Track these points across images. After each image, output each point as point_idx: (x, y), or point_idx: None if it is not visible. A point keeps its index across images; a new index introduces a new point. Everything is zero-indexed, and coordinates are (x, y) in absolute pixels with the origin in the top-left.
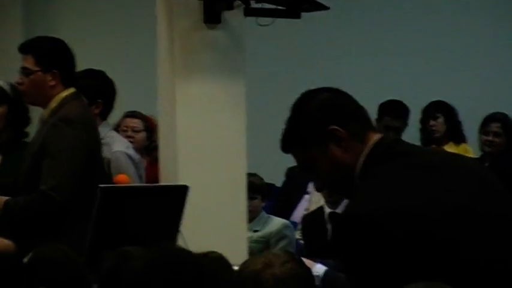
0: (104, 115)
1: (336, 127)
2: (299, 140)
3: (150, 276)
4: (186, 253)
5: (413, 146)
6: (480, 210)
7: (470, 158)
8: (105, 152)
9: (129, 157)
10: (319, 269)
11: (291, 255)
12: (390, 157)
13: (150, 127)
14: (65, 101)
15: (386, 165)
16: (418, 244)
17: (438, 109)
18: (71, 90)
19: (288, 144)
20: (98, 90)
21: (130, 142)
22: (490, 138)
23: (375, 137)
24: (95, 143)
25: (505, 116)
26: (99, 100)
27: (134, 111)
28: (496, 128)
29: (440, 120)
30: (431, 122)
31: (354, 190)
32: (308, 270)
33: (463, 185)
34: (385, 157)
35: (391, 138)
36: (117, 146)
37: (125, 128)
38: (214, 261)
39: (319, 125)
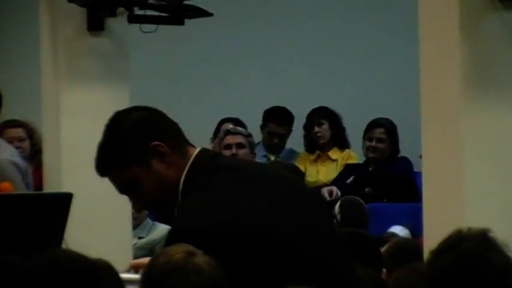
0: None
1: (159, 142)
2: (118, 161)
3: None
4: (80, 258)
5: (235, 159)
6: (308, 223)
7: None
8: None
9: (15, 165)
10: None
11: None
12: (215, 170)
13: (31, 133)
14: None
15: (212, 178)
16: (256, 259)
17: (322, 115)
18: None
19: (105, 167)
20: None
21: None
22: (374, 144)
23: (195, 150)
24: None
25: (389, 121)
26: None
27: (14, 121)
28: (380, 134)
29: (325, 126)
30: (316, 129)
31: (181, 204)
32: None
33: (289, 197)
34: (210, 170)
35: (212, 152)
36: (2, 154)
37: (9, 140)
38: (104, 269)
39: (140, 142)
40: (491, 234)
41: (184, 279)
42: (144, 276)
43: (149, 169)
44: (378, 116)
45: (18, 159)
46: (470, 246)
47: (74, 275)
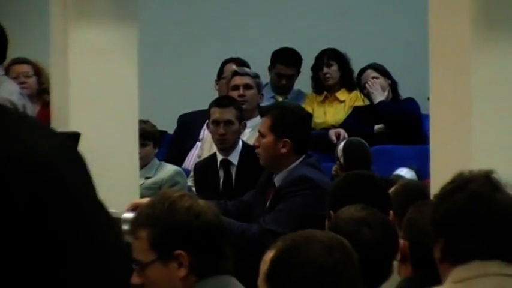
0: None
1: None
2: None
3: None
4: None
5: None
6: None
7: None
8: None
9: (11, 103)
10: None
11: None
12: None
13: (38, 71)
14: None
15: None
16: None
17: (331, 56)
18: None
19: None
20: None
21: (24, 88)
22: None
23: None
24: None
25: (374, 63)
26: None
27: (20, 58)
28: (371, 74)
29: (334, 67)
30: (325, 69)
31: None
32: None
33: None
34: None
35: None
36: (1, 92)
37: (15, 75)
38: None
39: None
40: (494, 175)
41: None
42: (161, 224)
43: None
44: (385, 58)
45: (16, 97)
46: (476, 187)
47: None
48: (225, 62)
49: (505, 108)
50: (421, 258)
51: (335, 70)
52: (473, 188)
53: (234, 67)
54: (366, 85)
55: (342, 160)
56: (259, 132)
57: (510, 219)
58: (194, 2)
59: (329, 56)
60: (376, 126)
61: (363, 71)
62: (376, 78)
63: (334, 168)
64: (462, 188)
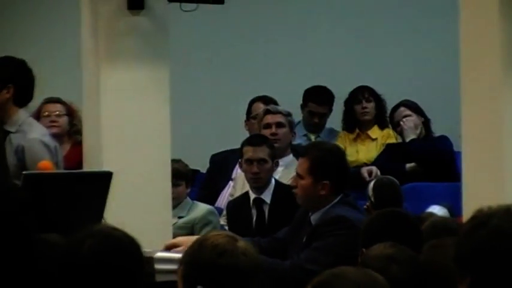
0: (20, 102)
1: None
2: None
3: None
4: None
5: None
6: None
7: None
8: (20, 140)
9: (44, 144)
10: None
11: None
12: None
13: (71, 112)
14: None
15: None
16: None
17: (369, 93)
18: None
19: None
20: (9, 75)
21: (54, 127)
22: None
23: None
24: None
25: (408, 100)
26: (10, 85)
27: (53, 97)
28: (404, 111)
29: (372, 104)
30: (364, 104)
31: None
32: None
33: None
34: None
35: None
36: (33, 133)
37: (47, 114)
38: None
39: None
40: None
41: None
42: (190, 261)
43: None
44: (417, 95)
45: (47, 138)
46: (498, 222)
47: (125, 250)
48: (253, 101)
49: None
50: None
51: (372, 107)
52: (495, 223)
53: (262, 105)
54: (401, 123)
55: (372, 199)
56: (297, 173)
57: None
58: (225, 40)
59: (367, 92)
60: (408, 165)
61: (396, 108)
62: (409, 115)
63: (365, 207)
64: (484, 223)
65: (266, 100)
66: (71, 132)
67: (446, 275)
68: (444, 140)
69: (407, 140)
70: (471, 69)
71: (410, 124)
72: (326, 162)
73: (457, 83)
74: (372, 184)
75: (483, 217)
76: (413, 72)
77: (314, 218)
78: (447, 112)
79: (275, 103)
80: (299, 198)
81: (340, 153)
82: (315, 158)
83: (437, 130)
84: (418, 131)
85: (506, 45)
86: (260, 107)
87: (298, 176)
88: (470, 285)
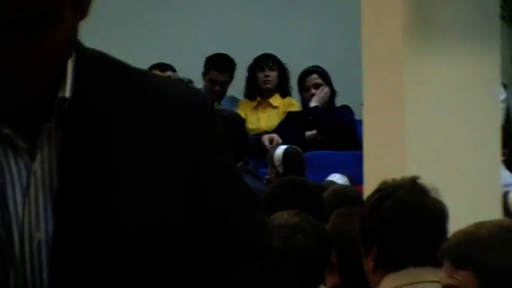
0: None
1: None
2: None
3: None
4: None
5: None
6: None
7: None
8: None
9: None
10: None
11: None
12: None
13: None
14: None
15: None
16: None
17: (273, 61)
18: None
19: None
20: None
21: None
22: (312, 91)
23: None
24: None
25: (319, 67)
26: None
27: None
28: (315, 80)
29: (275, 72)
30: (267, 72)
31: None
32: None
33: None
34: None
35: None
36: None
37: None
38: None
39: None
40: (419, 181)
41: None
42: None
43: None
44: (320, 64)
45: None
46: (404, 194)
47: None
48: (150, 69)
49: (437, 113)
50: (349, 268)
51: (275, 75)
52: (401, 195)
53: (159, 73)
54: (313, 91)
55: (280, 169)
56: None
57: (440, 224)
58: (120, 4)
59: (270, 60)
60: (308, 133)
61: (308, 73)
62: (321, 85)
63: (268, 175)
64: (390, 195)
65: (163, 67)
66: None
67: (355, 243)
68: (346, 110)
69: (310, 106)
70: (371, 38)
71: (326, 96)
72: (224, 130)
73: (360, 53)
74: (279, 154)
75: (388, 189)
76: (317, 40)
77: None
78: (350, 81)
79: (173, 70)
80: None
81: (239, 121)
82: None
83: (341, 99)
84: (324, 102)
85: (407, 11)
86: (157, 74)
87: None
88: (377, 257)
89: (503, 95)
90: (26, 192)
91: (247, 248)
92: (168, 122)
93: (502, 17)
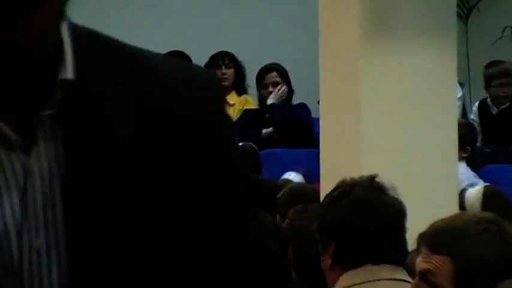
0: None
1: None
2: None
3: None
4: None
5: None
6: None
7: None
8: None
9: None
10: None
11: None
12: None
13: None
14: None
15: None
16: None
17: (229, 59)
18: None
19: None
20: None
21: None
22: (270, 89)
23: None
24: None
25: (279, 65)
26: None
27: None
28: (274, 78)
29: (232, 70)
30: (224, 70)
31: None
32: None
33: None
34: None
35: None
36: None
37: None
38: None
39: None
40: (377, 179)
41: None
42: None
43: None
44: (277, 61)
45: None
46: (361, 191)
47: None
48: None
49: (393, 111)
50: (305, 264)
51: (232, 73)
52: (358, 192)
53: None
54: (271, 89)
55: None
56: None
57: (397, 222)
58: (78, 2)
59: (227, 58)
60: (265, 130)
61: (268, 70)
62: (280, 83)
63: None
64: (347, 193)
65: None
66: None
67: (311, 239)
68: (302, 108)
69: (268, 103)
70: (328, 36)
71: (284, 94)
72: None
73: (316, 49)
74: None
75: (346, 187)
76: (275, 38)
77: None
78: (305, 79)
79: None
80: None
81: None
82: None
83: (298, 98)
84: (281, 99)
85: (363, 11)
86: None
87: None
88: (334, 255)
89: (459, 93)
90: (23, 196)
91: (262, 255)
92: (177, 106)
93: (458, 15)
